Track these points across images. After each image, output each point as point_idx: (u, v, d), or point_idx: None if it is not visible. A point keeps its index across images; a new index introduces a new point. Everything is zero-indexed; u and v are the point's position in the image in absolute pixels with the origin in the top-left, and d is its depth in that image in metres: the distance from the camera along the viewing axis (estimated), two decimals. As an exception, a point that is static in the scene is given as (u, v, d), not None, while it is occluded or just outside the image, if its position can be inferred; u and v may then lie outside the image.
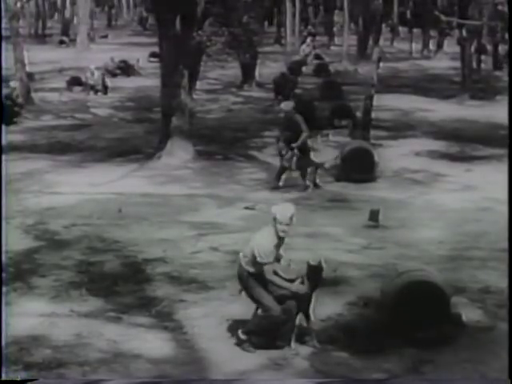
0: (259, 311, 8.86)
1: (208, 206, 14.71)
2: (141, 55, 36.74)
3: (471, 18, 28.36)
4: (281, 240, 8.78)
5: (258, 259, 8.58)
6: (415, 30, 45.88)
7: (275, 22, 53.21)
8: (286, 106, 16.58)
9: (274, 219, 8.58)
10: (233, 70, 32.04)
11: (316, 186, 16.14)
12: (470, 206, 14.64)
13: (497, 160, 18.10)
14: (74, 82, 29.89)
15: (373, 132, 19.88)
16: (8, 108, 22.27)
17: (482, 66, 33.92)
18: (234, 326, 9.09)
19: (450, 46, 42.15)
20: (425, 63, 40.16)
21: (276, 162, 17.85)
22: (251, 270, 8.71)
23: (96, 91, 29.01)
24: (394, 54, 42.57)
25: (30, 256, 11.91)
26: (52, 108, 25.39)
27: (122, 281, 10.88)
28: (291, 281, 8.79)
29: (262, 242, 8.66)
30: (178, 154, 18.26)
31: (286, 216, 8.57)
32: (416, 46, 44.38)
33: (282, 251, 8.98)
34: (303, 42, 41.48)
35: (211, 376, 8.27)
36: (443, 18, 33.26)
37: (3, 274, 10.74)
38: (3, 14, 27.83)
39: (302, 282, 8.79)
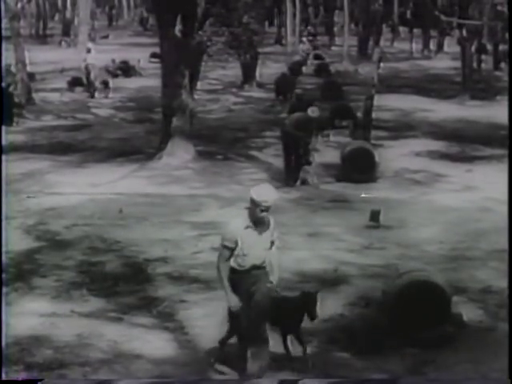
0: None
1: (209, 206, 14.72)
2: (142, 56, 36.73)
3: (471, 18, 28.34)
4: (258, 227, 7.92)
5: (221, 242, 8.06)
6: (415, 30, 45.83)
7: (276, 22, 53.21)
8: (313, 112, 16.60)
9: (252, 201, 7.79)
10: (233, 70, 32.03)
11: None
12: (470, 206, 14.64)
13: (497, 160, 18.09)
14: (75, 82, 29.88)
15: (373, 132, 19.84)
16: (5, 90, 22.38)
17: (483, 66, 33.91)
18: None
19: (451, 46, 42.12)
20: (425, 63, 40.13)
21: (276, 161, 17.89)
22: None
23: (94, 90, 28.75)
24: (394, 54, 42.51)
25: (30, 256, 11.92)
26: (53, 108, 25.42)
27: (123, 281, 10.89)
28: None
29: (229, 221, 8.18)
30: (179, 154, 18.26)
31: (264, 199, 7.75)
32: (416, 46, 44.36)
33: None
34: (300, 41, 41.45)
35: (212, 377, 8.27)
36: (443, 18, 33.24)
37: (4, 275, 10.75)
38: (4, 14, 27.81)
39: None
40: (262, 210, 7.80)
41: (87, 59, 29.35)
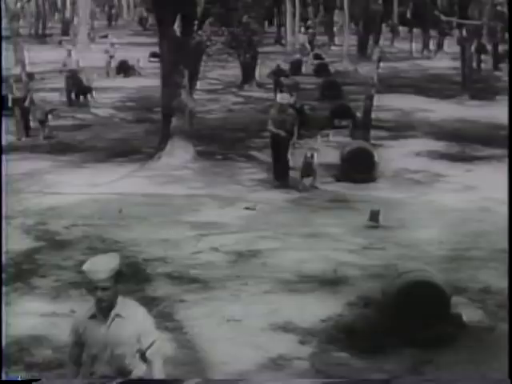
0: None
1: (208, 206, 14.71)
2: (141, 55, 36.74)
3: (471, 18, 28.36)
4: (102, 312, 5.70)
5: None
6: (415, 30, 45.85)
7: (275, 22, 53.25)
8: (283, 98, 16.30)
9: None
10: (233, 70, 32.05)
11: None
12: (470, 206, 14.64)
13: (497, 160, 18.10)
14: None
15: (373, 132, 19.88)
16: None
17: (482, 65, 33.92)
18: None
19: (450, 46, 42.14)
20: (425, 63, 40.14)
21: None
22: None
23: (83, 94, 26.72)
24: (394, 54, 42.51)
25: (30, 256, 11.92)
26: (52, 108, 25.33)
27: (122, 281, 10.86)
28: None
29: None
30: (179, 154, 18.26)
31: (89, 268, 5.66)
32: (416, 46, 44.38)
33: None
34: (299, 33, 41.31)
35: (212, 376, 8.28)
36: (443, 17, 33.28)
37: (4, 274, 10.75)
38: (3, 14, 27.81)
39: None
40: (96, 288, 5.64)
41: (67, 64, 26.99)
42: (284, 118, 16.20)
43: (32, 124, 21.96)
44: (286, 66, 30.68)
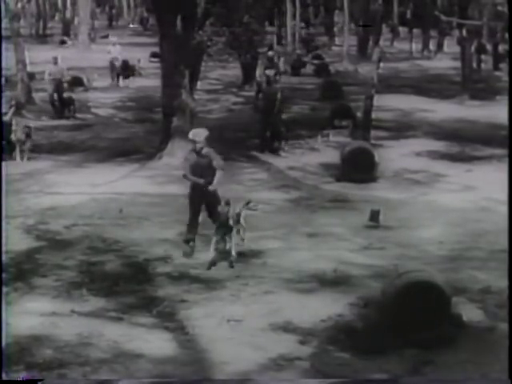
0: None
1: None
2: (142, 55, 36.72)
3: (471, 18, 28.36)
4: None
5: None
6: (415, 30, 45.81)
7: (276, 23, 53.19)
8: (195, 134, 12.16)
9: None
10: (234, 70, 32.03)
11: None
12: (470, 206, 14.65)
13: (497, 160, 18.11)
14: (75, 82, 29.78)
15: (373, 132, 19.88)
16: None
17: (482, 66, 33.92)
18: None
19: (450, 46, 42.12)
20: (425, 63, 40.12)
21: (276, 161, 17.91)
22: None
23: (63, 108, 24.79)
24: (394, 54, 42.50)
25: (30, 256, 11.92)
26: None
27: (123, 281, 10.90)
28: None
29: None
30: (179, 154, 18.18)
31: None
32: (416, 46, 44.36)
33: None
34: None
35: (213, 376, 8.29)
36: (443, 18, 33.26)
37: (4, 274, 10.75)
38: (4, 14, 27.76)
39: None
40: None
41: (52, 73, 25.51)
42: (199, 162, 12.31)
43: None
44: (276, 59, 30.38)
